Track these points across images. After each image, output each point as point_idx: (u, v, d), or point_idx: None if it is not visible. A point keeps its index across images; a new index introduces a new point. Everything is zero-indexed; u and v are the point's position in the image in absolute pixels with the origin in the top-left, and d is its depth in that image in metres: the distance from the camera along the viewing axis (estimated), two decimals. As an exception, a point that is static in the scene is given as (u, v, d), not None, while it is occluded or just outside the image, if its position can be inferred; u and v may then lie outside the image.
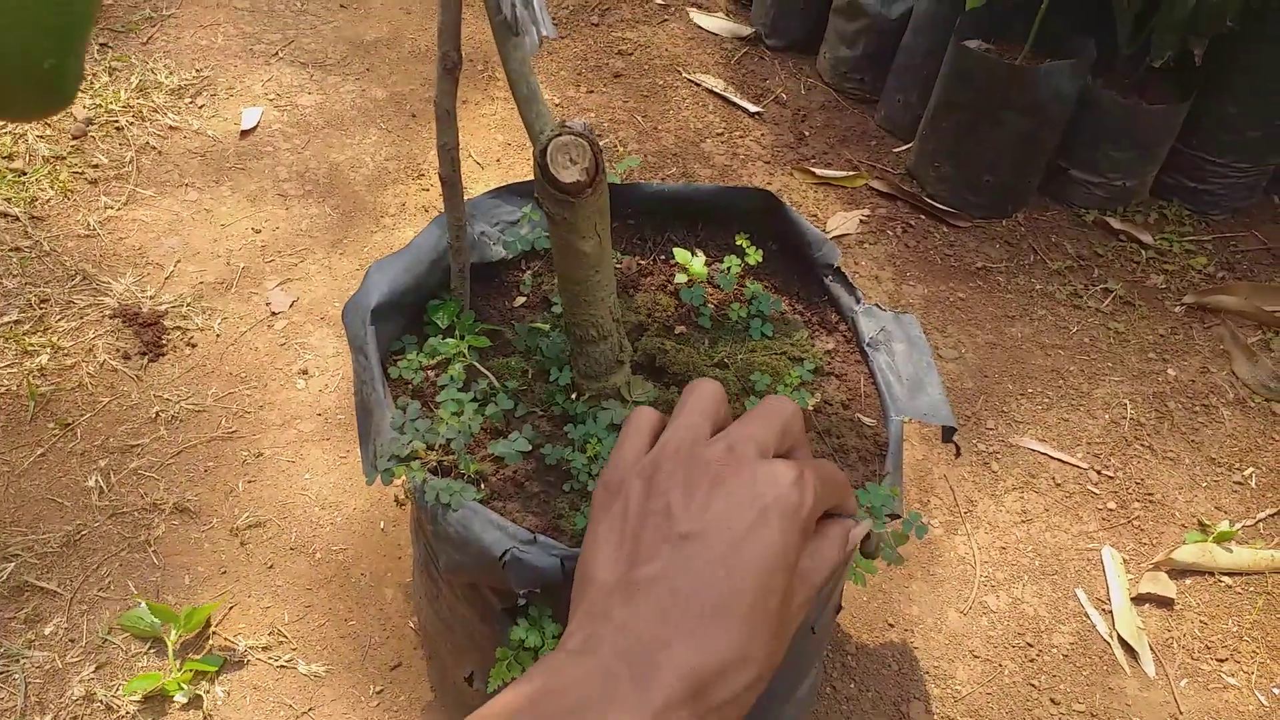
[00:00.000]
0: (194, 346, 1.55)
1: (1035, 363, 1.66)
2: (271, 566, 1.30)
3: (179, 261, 1.68)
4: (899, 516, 0.88)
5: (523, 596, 0.79)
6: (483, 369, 0.97)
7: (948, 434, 0.97)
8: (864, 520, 0.52)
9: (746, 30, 2.39)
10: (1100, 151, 1.87)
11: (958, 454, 1.14)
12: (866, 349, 1.02)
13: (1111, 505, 1.45)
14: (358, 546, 1.32)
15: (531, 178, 1.15)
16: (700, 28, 2.42)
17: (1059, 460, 1.51)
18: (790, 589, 0.44)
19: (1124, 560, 1.38)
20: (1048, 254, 1.87)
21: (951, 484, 1.47)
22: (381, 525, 1.35)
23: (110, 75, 2.05)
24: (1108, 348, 1.70)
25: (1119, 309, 1.77)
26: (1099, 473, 1.50)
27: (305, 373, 1.53)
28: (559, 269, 0.89)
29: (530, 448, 0.90)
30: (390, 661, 1.21)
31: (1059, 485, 1.48)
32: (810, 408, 0.97)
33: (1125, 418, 1.58)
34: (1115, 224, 1.91)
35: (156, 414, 1.46)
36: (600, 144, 0.80)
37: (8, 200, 1.74)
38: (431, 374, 0.97)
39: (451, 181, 0.94)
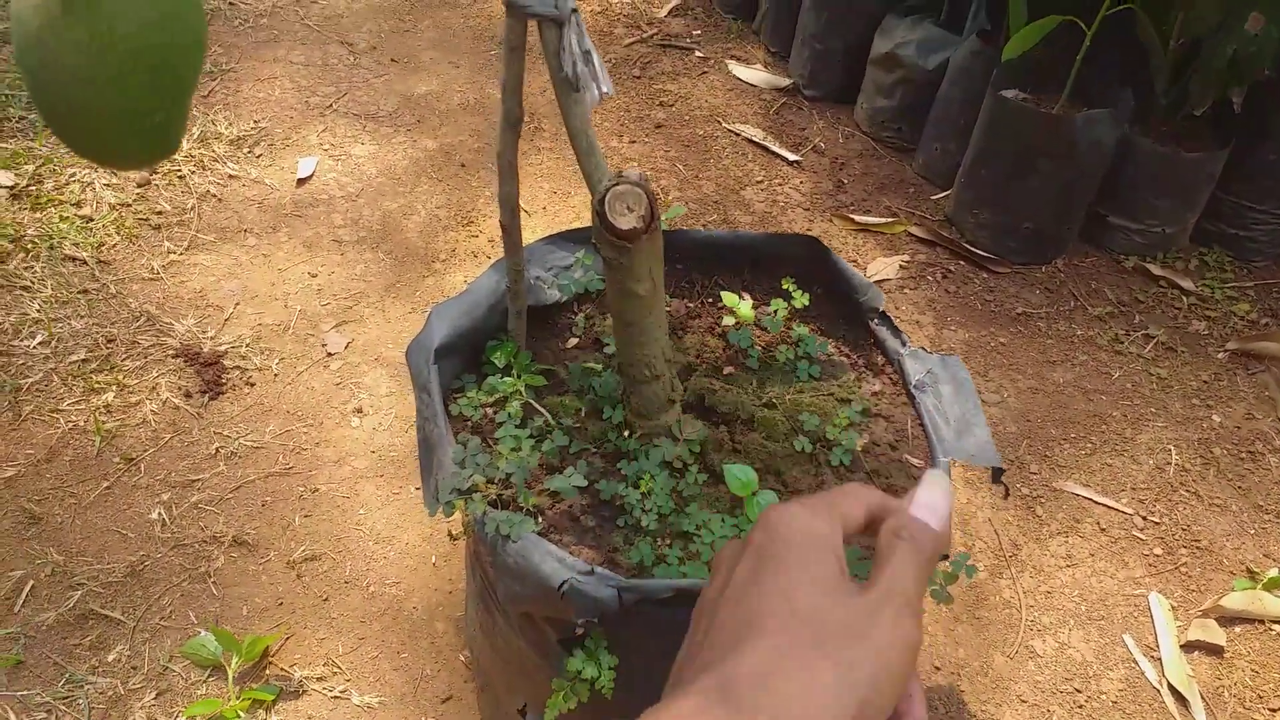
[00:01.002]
0: (252, 385, 1.61)
1: (1078, 407, 1.67)
2: (326, 599, 1.33)
3: (238, 304, 1.74)
4: (947, 557, 0.90)
5: (580, 626, 0.81)
6: (539, 406, 1.00)
7: (996, 475, 0.98)
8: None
9: (784, 81, 2.44)
10: (1139, 199, 1.89)
11: (1006, 495, 1.15)
12: (913, 391, 1.04)
13: (1158, 551, 1.45)
14: (410, 580, 1.35)
15: (581, 225, 1.20)
16: (739, 79, 2.48)
17: (1104, 505, 1.51)
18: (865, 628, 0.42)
19: (1172, 607, 1.38)
20: (1088, 300, 1.88)
21: (996, 528, 1.47)
22: (433, 560, 1.38)
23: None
24: (1150, 393, 1.70)
25: (1161, 355, 1.78)
26: (1145, 518, 1.50)
27: (360, 411, 1.58)
28: (614, 311, 0.93)
29: (585, 483, 0.93)
30: (441, 694, 1.24)
31: (1104, 530, 1.48)
32: (858, 448, 0.99)
33: (1170, 463, 1.58)
34: (1156, 270, 1.92)
35: (216, 450, 1.50)
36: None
37: (76, 245, 1.82)
38: (490, 411, 1.00)
39: (511, 229, 0.98)
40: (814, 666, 0.39)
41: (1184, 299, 1.88)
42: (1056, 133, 1.79)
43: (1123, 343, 1.79)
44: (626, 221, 0.83)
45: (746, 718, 0.38)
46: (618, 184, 0.83)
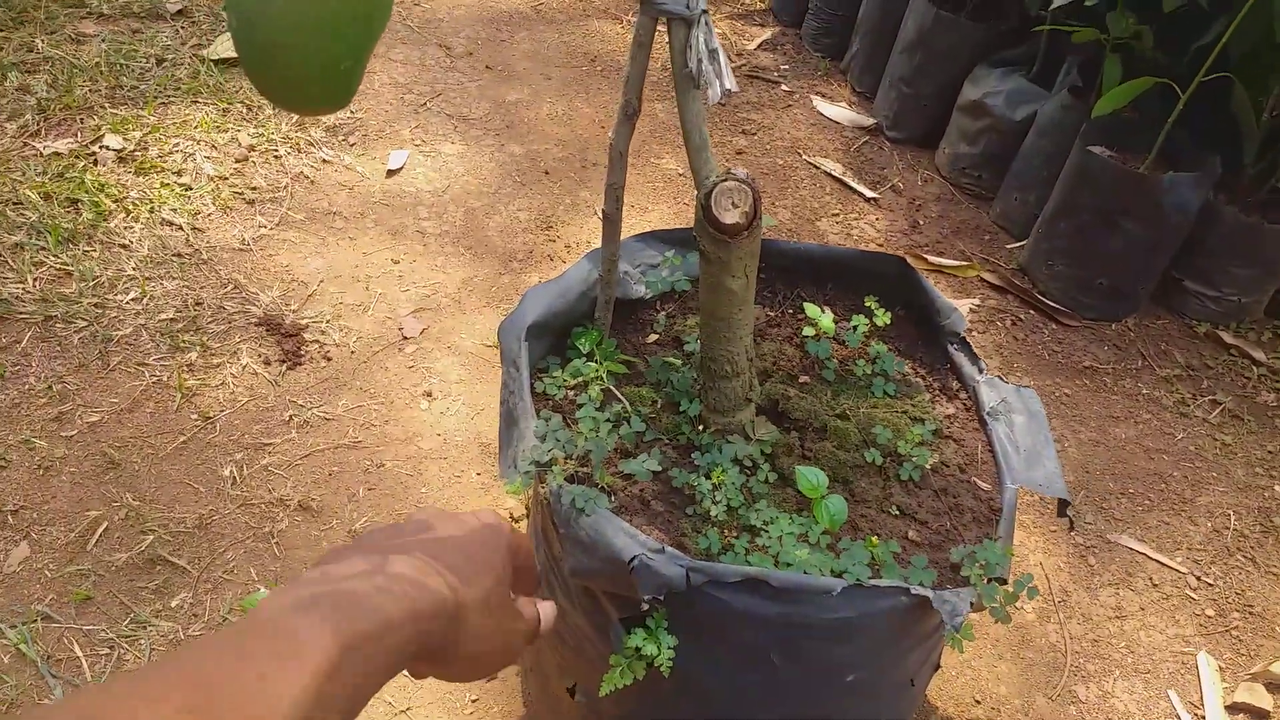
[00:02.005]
0: (329, 360, 1.66)
1: (1138, 464, 1.66)
2: (384, 569, 1.36)
3: (322, 282, 1.80)
4: (1004, 580, 0.91)
5: (646, 602, 0.83)
6: (618, 393, 1.03)
7: (1062, 507, 0.99)
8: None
9: (868, 121, 2.47)
10: (1218, 266, 1.89)
11: (1071, 527, 1.15)
12: (986, 418, 1.05)
13: (1210, 612, 1.44)
14: (465, 560, 1.38)
15: (667, 228, 1.23)
16: (823, 115, 2.51)
17: (1158, 562, 1.50)
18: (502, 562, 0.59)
19: (1220, 668, 1.36)
20: (1156, 361, 1.88)
21: (1047, 572, 1.47)
22: (489, 543, 1.41)
23: (273, 109, 2.22)
24: (1213, 458, 1.69)
25: (1227, 421, 1.76)
26: (1198, 579, 1.48)
27: (429, 395, 1.62)
28: (704, 305, 0.96)
29: (660, 468, 0.96)
30: (487, 672, 1.26)
31: (1156, 586, 1.47)
32: (928, 466, 1.01)
33: (1228, 528, 1.57)
34: (1228, 338, 1.91)
35: (290, 418, 1.55)
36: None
37: (174, 211, 1.89)
38: (571, 393, 1.03)
39: (613, 219, 1.02)
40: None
41: (1254, 369, 1.87)
42: (1141, 192, 1.79)
43: (1189, 406, 1.78)
44: (730, 217, 0.86)
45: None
46: (726, 179, 0.86)
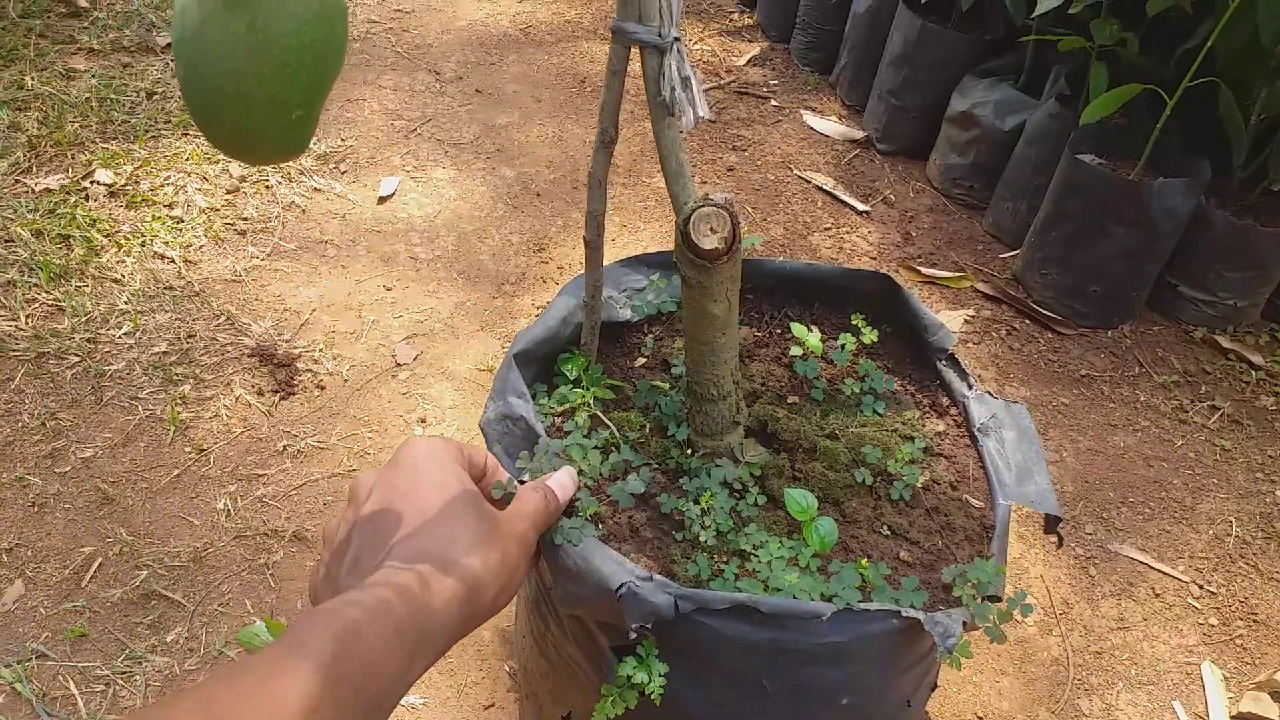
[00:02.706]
0: (323, 389, 1.65)
1: (1137, 473, 1.65)
2: (379, 599, 1.36)
3: (315, 310, 1.80)
4: (999, 598, 0.90)
5: (634, 631, 0.82)
6: (605, 419, 1.03)
7: (1051, 523, 0.98)
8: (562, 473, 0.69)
9: (858, 134, 2.48)
10: (1212, 270, 1.88)
11: (1060, 544, 1.15)
12: (977, 434, 1.05)
13: (1213, 621, 1.43)
14: (461, 588, 1.38)
15: (654, 251, 1.23)
16: (812, 129, 2.52)
17: (1159, 571, 1.49)
18: (496, 519, 0.61)
19: (1225, 677, 1.35)
20: (1153, 367, 1.87)
21: (1048, 584, 1.46)
22: (484, 570, 1.40)
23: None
24: (1213, 464, 1.68)
25: (1226, 427, 1.75)
26: (1201, 587, 1.47)
27: (423, 421, 1.61)
28: (688, 329, 0.95)
29: (643, 489, 0.95)
30: (484, 701, 1.25)
31: (1158, 596, 1.46)
32: (919, 485, 1.00)
33: (1230, 535, 1.55)
34: (1225, 343, 1.90)
35: (284, 448, 1.55)
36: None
37: (166, 244, 1.90)
38: (558, 420, 1.03)
39: (595, 245, 1.02)
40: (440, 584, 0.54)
41: (1253, 374, 1.86)
42: (1131, 198, 1.79)
43: (1187, 412, 1.77)
44: (709, 242, 0.86)
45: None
46: (704, 205, 0.86)
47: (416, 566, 0.52)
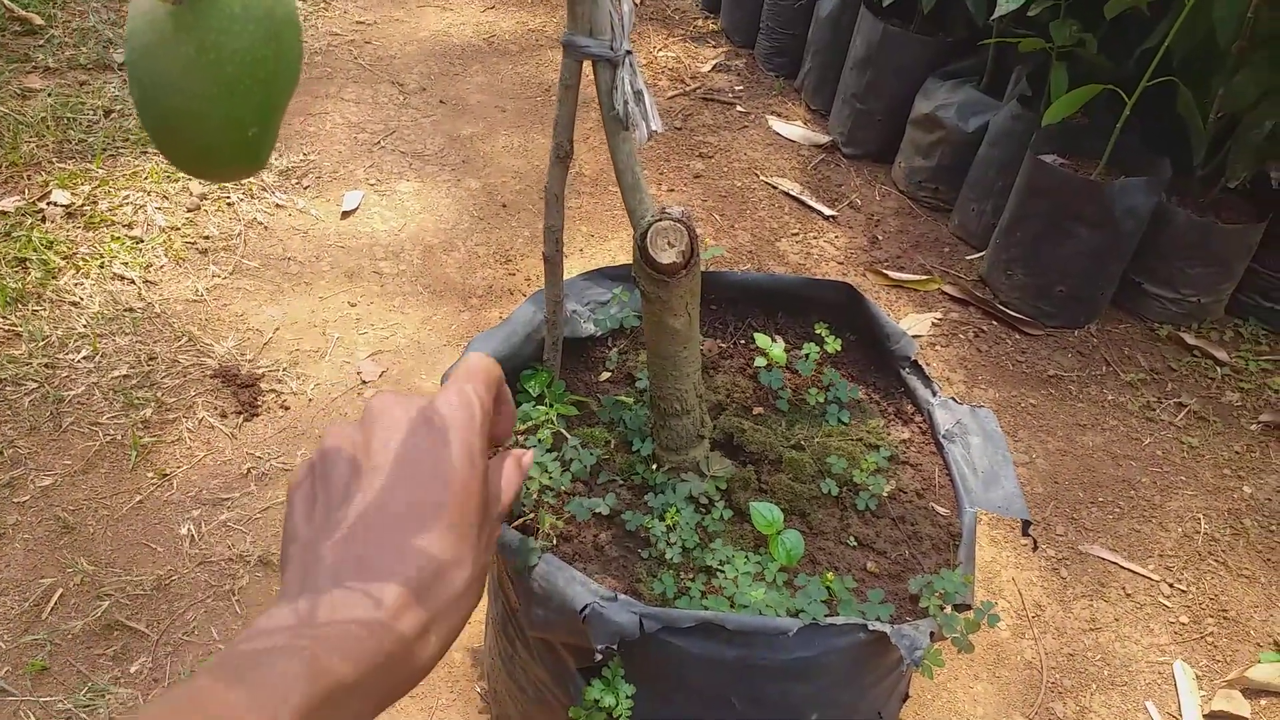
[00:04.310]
0: (287, 409, 1.63)
1: (1106, 472, 1.66)
2: (347, 622, 1.34)
3: (278, 329, 1.78)
4: (968, 606, 0.90)
5: (600, 652, 0.81)
6: (569, 435, 1.01)
7: (1025, 527, 0.98)
8: (529, 450, 0.56)
9: (824, 138, 2.48)
10: (1174, 267, 1.89)
11: (1034, 547, 1.14)
12: (942, 440, 1.04)
13: (1184, 619, 1.43)
14: (430, 609, 1.36)
15: (618, 264, 1.22)
16: (779, 134, 2.52)
17: (1130, 570, 1.49)
18: (484, 495, 0.48)
19: (1197, 676, 1.35)
20: (1120, 366, 1.88)
21: (1020, 587, 1.46)
22: (454, 590, 1.39)
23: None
24: (1181, 461, 1.69)
25: (1193, 424, 1.76)
26: (1171, 585, 1.48)
27: (390, 439, 1.59)
28: (650, 344, 0.94)
29: (607, 510, 0.94)
30: (455, 724, 1.24)
31: (1129, 596, 1.46)
32: (885, 494, 0.99)
33: (1199, 532, 1.56)
34: (1190, 339, 1.92)
35: (248, 470, 1.53)
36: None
37: (125, 265, 1.87)
38: (521, 438, 1.02)
39: (554, 261, 1.01)
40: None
41: (1218, 369, 1.87)
42: (1092, 198, 1.80)
43: (1154, 410, 1.78)
44: (667, 256, 0.85)
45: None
46: (661, 219, 0.85)
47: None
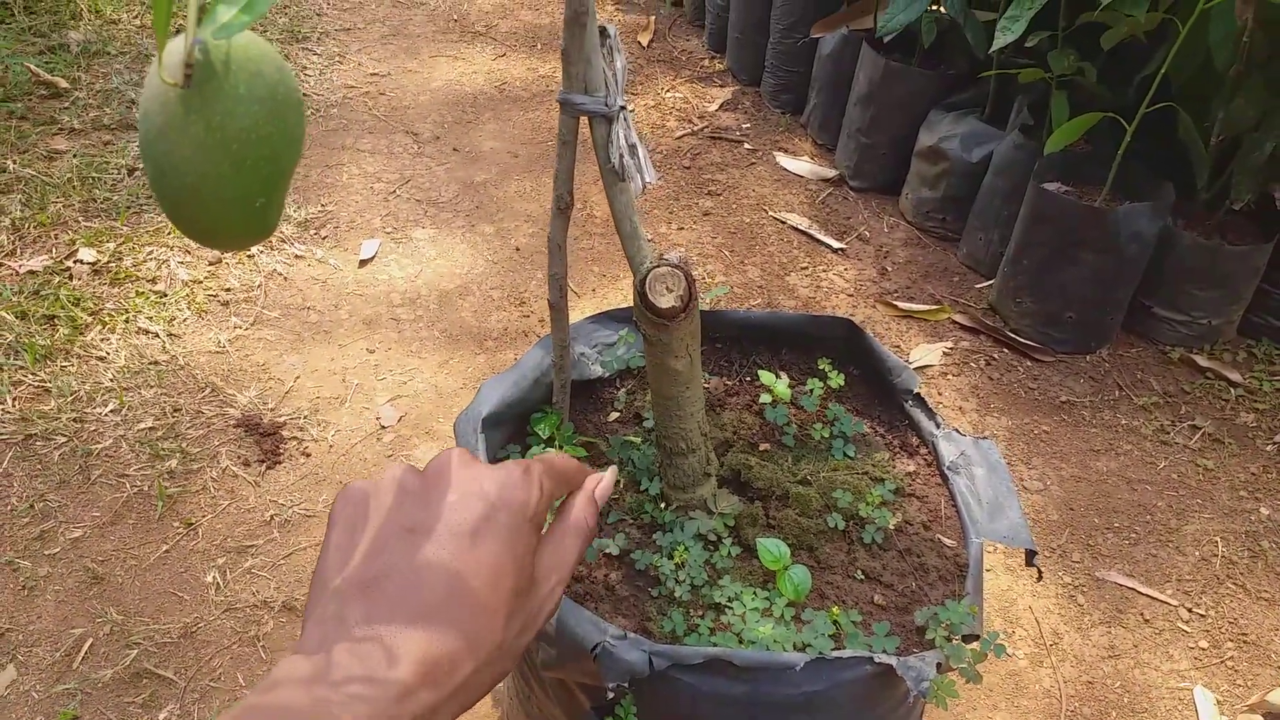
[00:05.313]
0: (308, 456, 1.67)
1: (1121, 497, 1.66)
2: (369, 666, 1.36)
3: (298, 377, 1.82)
4: (977, 637, 0.91)
5: (612, 690, 0.83)
6: (579, 478, 1.04)
7: (1030, 557, 0.99)
8: (605, 474, 0.56)
9: (830, 172, 2.51)
10: (1183, 291, 1.90)
11: (1039, 577, 1.15)
12: (947, 472, 1.06)
13: (1204, 644, 1.43)
14: (450, 650, 1.38)
15: (625, 305, 1.25)
16: (786, 170, 2.55)
17: (1148, 596, 1.49)
18: (523, 579, 0.46)
19: (1218, 701, 1.35)
20: (1133, 390, 1.88)
21: (1037, 615, 1.46)
22: (473, 631, 1.41)
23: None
24: (1197, 485, 1.69)
25: (1208, 446, 1.76)
26: (1190, 610, 1.47)
27: (408, 483, 1.62)
28: (653, 386, 0.97)
29: (619, 550, 0.96)
30: (477, 764, 1.25)
31: (1148, 621, 1.46)
32: (891, 527, 1.01)
33: (1216, 555, 1.56)
34: (1202, 362, 1.92)
35: (271, 517, 1.56)
36: (693, 275, 0.89)
37: (150, 319, 1.92)
38: (532, 481, 1.04)
39: (559, 307, 1.04)
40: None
41: (1231, 391, 1.87)
42: (1097, 224, 1.81)
43: (1168, 433, 1.78)
44: (666, 301, 0.88)
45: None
46: (658, 266, 0.88)
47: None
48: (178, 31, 0.44)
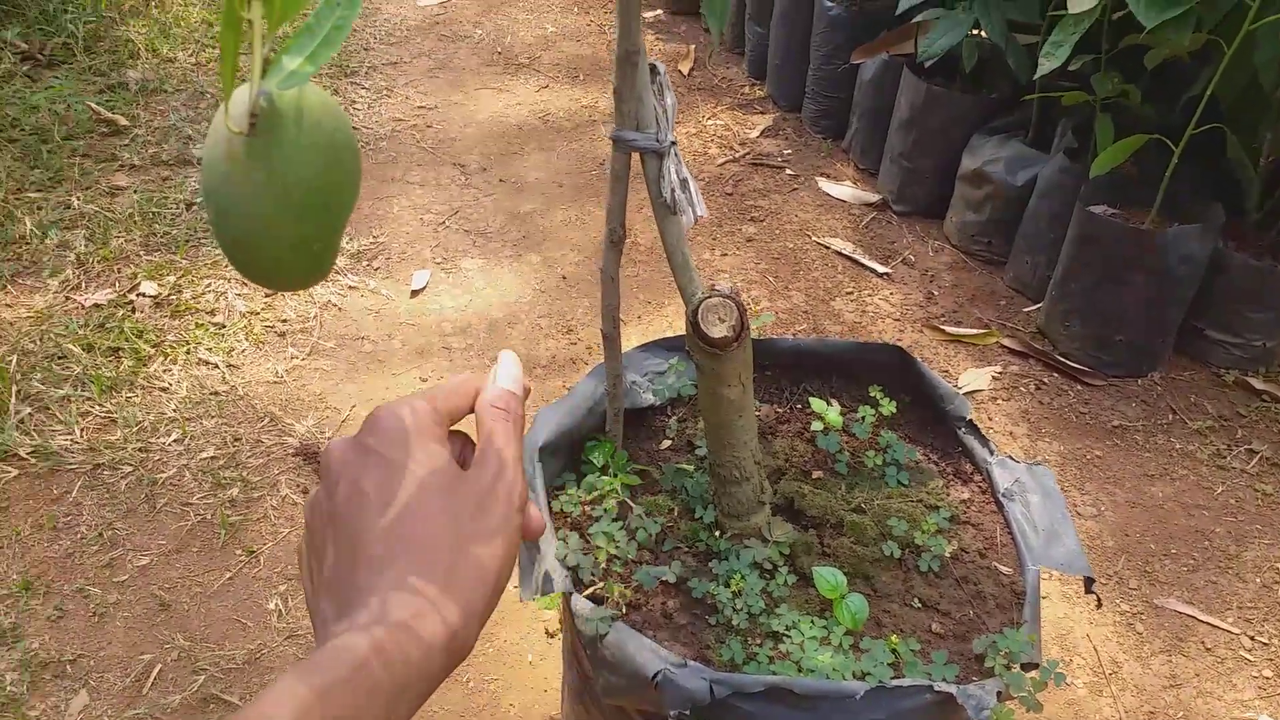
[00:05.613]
0: (363, 484, 1.70)
1: (1178, 523, 1.64)
2: (426, 692, 1.38)
3: (354, 406, 1.86)
4: (1036, 665, 0.91)
5: (673, 718, 0.84)
6: (633, 504, 1.05)
7: (1088, 584, 0.99)
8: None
9: (873, 197, 2.52)
10: (1235, 313, 1.88)
11: (1099, 605, 1.14)
12: (1001, 499, 1.06)
13: (1268, 673, 1.40)
14: (507, 677, 1.40)
15: (673, 334, 1.27)
16: (828, 195, 2.56)
17: (1208, 624, 1.47)
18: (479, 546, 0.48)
19: (1284, 730, 1.33)
20: (1187, 414, 1.86)
21: (1095, 643, 1.45)
22: (530, 658, 1.42)
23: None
24: (1255, 510, 1.66)
25: (1266, 470, 1.74)
26: (1252, 639, 1.45)
27: (462, 510, 1.65)
28: (705, 415, 0.98)
29: (673, 579, 0.98)
30: (534, 790, 1.26)
31: (1209, 650, 1.44)
32: (947, 554, 1.01)
33: (1278, 582, 1.53)
34: (1258, 384, 1.89)
35: (328, 545, 1.59)
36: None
37: (209, 350, 1.97)
38: (588, 508, 1.06)
39: (612, 337, 1.06)
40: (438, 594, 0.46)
41: (1289, 413, 1.85)
42: (1146, 247, 1.80)
43: (1225, 458, 1.76)
44: (718, 331, 0.89)
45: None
46: (710, 296, 0.90)
47: (395, 616, 0.45)
48: (242, 80, 0.46)
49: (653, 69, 0.90)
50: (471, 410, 0.54)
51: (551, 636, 1.45)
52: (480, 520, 0.48)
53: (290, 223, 0.50)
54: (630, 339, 2.00)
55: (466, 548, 0.47)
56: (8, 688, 1.38)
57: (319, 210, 0.50)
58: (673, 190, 0.89)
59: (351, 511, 0.48)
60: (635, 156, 0.90)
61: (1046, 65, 1.85)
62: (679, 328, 2.13)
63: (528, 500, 0.52)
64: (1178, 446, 1.79)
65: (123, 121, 2.70)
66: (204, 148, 0.50)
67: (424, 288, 2.19)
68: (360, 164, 0.53)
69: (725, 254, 2.34)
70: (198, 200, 2.41)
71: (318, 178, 0.49)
